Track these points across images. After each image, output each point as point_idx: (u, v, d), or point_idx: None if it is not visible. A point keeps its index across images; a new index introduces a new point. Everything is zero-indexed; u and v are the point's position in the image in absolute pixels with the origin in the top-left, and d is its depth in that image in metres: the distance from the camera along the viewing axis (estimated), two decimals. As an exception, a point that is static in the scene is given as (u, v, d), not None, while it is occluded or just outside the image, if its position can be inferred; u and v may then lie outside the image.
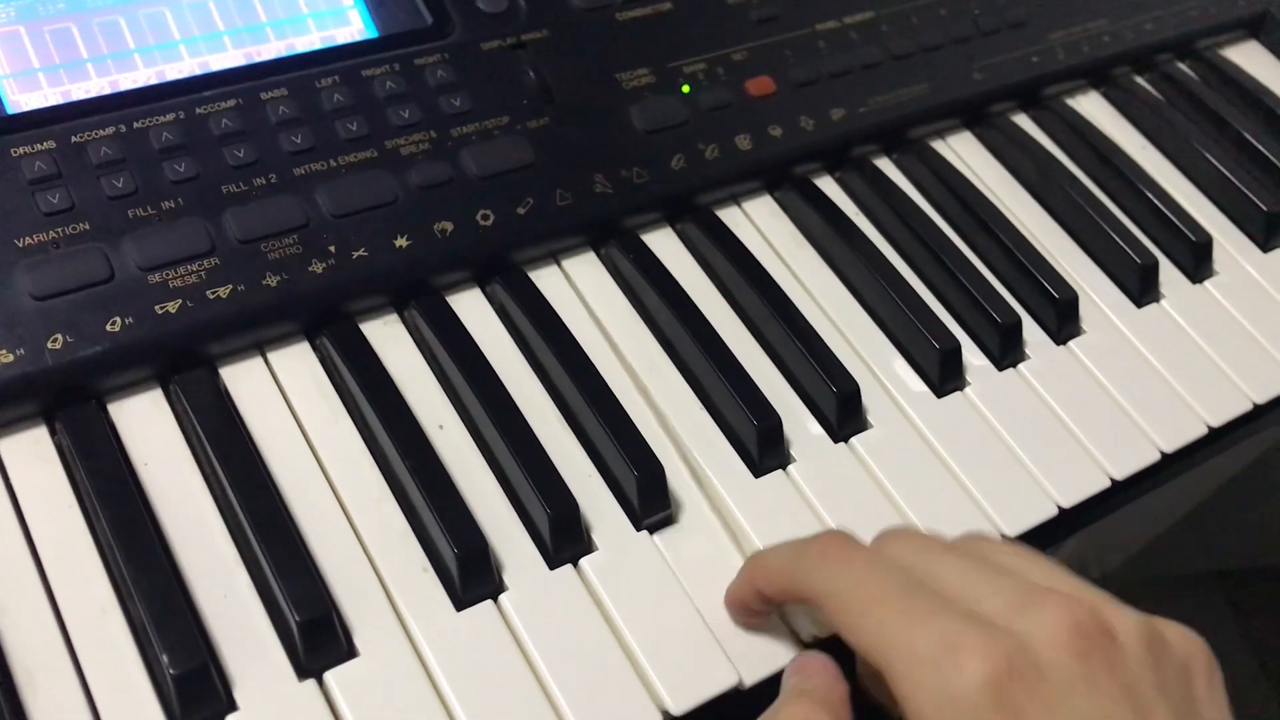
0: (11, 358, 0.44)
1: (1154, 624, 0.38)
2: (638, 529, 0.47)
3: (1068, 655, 0.35)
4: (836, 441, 0.52)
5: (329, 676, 0.41)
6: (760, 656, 0.45)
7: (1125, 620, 0.37)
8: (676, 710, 0.43)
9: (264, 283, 0.48)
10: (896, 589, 0.38)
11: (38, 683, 0.40)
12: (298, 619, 0.41)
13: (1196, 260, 0.63)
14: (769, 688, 0.44)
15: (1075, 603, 0.36)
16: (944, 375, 0.54)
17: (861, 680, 0.43)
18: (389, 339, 0.51)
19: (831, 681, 0.41)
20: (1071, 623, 0.36)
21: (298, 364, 0.49)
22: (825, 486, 0.50)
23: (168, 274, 0.47)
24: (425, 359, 0.51)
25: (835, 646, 0.42)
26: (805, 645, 0.45)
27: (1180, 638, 0.38)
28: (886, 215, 0.61)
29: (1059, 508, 0.52)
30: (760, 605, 0.44)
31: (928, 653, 0.35)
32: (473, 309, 0.53)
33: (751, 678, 0.44)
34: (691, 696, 0.43)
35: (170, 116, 0.51)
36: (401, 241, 0.51)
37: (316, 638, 0.41)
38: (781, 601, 0.43)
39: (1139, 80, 0.74)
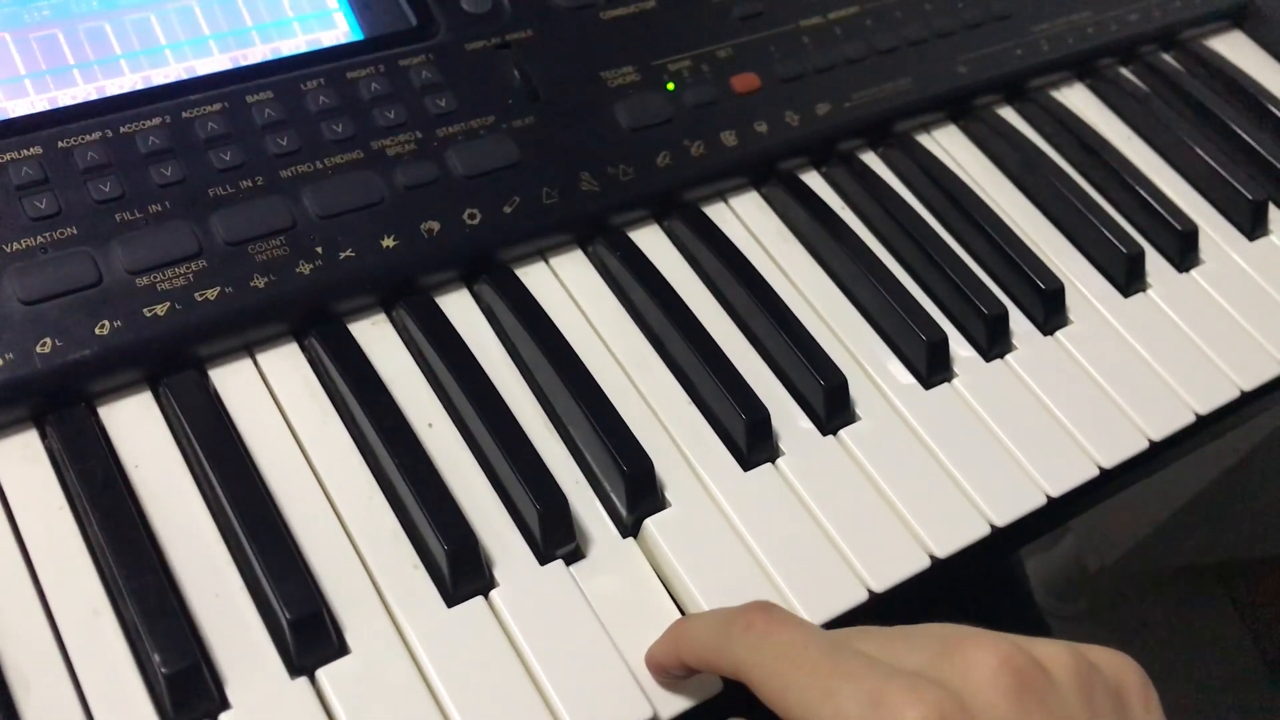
0: (1, 362, 0.44)
1: (1081, 651, 0.37)
2: (627, 524, 0.47)
3: (999, 696, 0.34)
4: (825, 434, 0.52)
5: (321, 674, 0.41)
6: (680, 692, 0.44)
7: (1052, 652, 0.36)
8: (665, 710, 0.43)
9: (252, 284, 0.49)
10: (818, 653, 0.37)
11: (30, 684, 0.40)
12: (289, 617, 0.41)
13: (1183, 249, 0.64)
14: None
15: (998, 641, 0.35)
16: (931, 367, 0.55)
17: None
18: (377, 339, 0.51)
19: None
20: (999, 661, 0.35)
21: (286, 365, 0.50)
22: (814, 479, 0.50)
23: (155, 277, 0.48)
24: (414, 358, 0.51)
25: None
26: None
27: (1110, 661, 0.38)
28: (872, 209, 0.62)
29: (1048, 497, 0.52)
30: (681, 672, 0.43)
31: (855, 711, 0.34)
32: (460, 308, 0.53)
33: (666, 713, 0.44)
34: (682, 695, 0.43)
35: (156, 121, 0.51)
36: (388, 242, 0.51)
37: (307, 635, 0.41)
38: (703, 671, 0.42)
39: (1123, 71, 0.74)
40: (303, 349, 0.50)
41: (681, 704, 0.43)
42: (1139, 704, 0.37)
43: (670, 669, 0.43)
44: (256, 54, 0.56)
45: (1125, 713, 0.36)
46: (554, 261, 0.56)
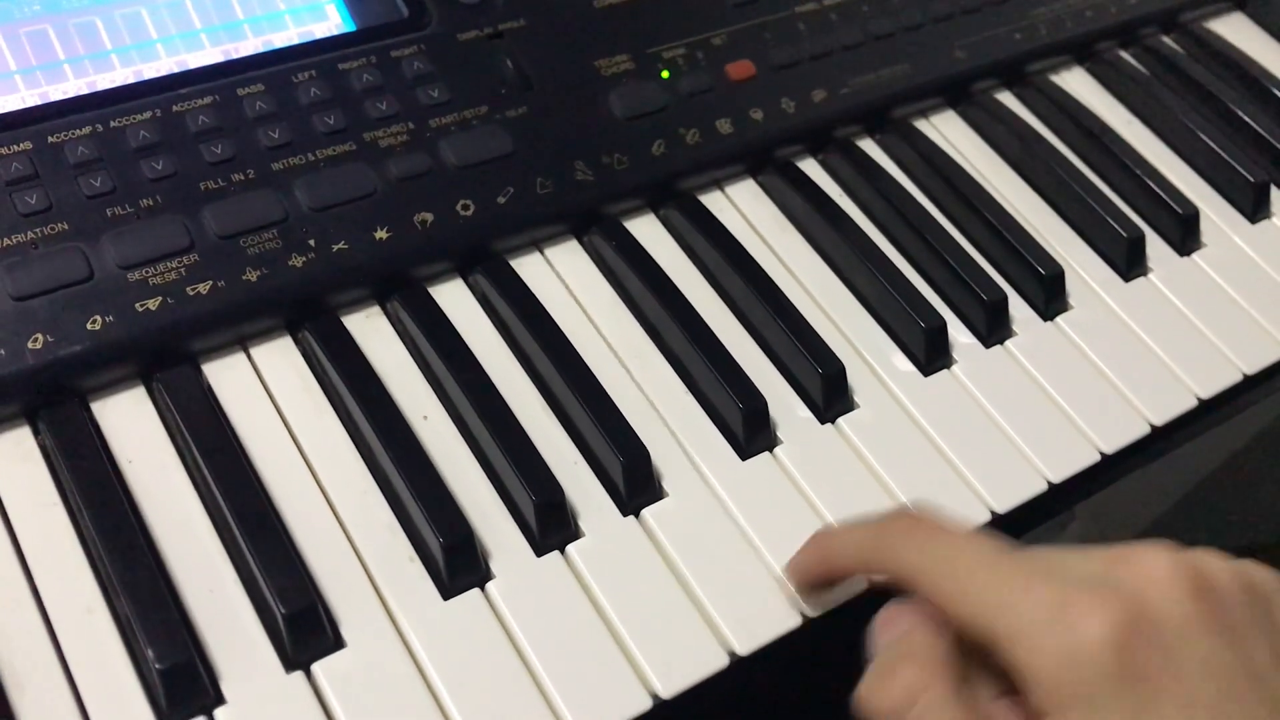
0: (-8, 358, 0.44)
1: (1243, 566, 0.38)
2: (624, 514, 0.47)
3: (1179, 596, 0.35)
4: (823, 423, 0.52)
5: (316, 668, 0.41)
6: (748, 633, 0.44)
7: (1217, 564, 0.37)
8: (666, 694, 0.43)
9: (244, 278, 0.48)
10: (991, 558, 0.37)
11: (24, 681, 0.40)
12: (283, 611, 0.41)
13: (1184, 233, 0.63)
14: (759, 666, 0.44)
15: (1167, 551, 0.36)
16: (930, 354, 0.54)
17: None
18: (371, 331, 0.51)
19: (928, 635, 0.38)
20: (1174, 565, 0.35)
21: (280, 358, 0.49)
22: (812, 468, 0.50)
23: (147, 271, 0.47)
24: (408, 350, 0.51)
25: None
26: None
27: (1263, 577, 0.38)
28: (870, 196, 0.61)
29: (1049, 483, 0.52)
30: (829, 579, 0.44)
31: (1041, 615, 0.35)
32: (455, 299, 0.53)
33: (744, 649, 0.44)
34: (682, 679, 0.43)
35: (147, 115, 0.51)
36: (382, 234, 0.51)
37: (302, 630, 0.41)
38: (854, 575, 0.43)
39: (1123, 55, 0.74)
40: (296, 342, 0.50)
41: (680, 684, 0.43)
42: None
43: (817, 577, 0.44)
44: (248, 47, 0.56)
45: (1276, 621, 0.37)
46: (549, 252, 0.56)
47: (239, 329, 0.49)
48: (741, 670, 0.44)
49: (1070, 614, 0.34)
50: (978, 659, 0.37)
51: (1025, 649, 0.35)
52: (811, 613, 0.45)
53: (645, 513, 0.47)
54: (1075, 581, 0.35)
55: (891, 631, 0.39)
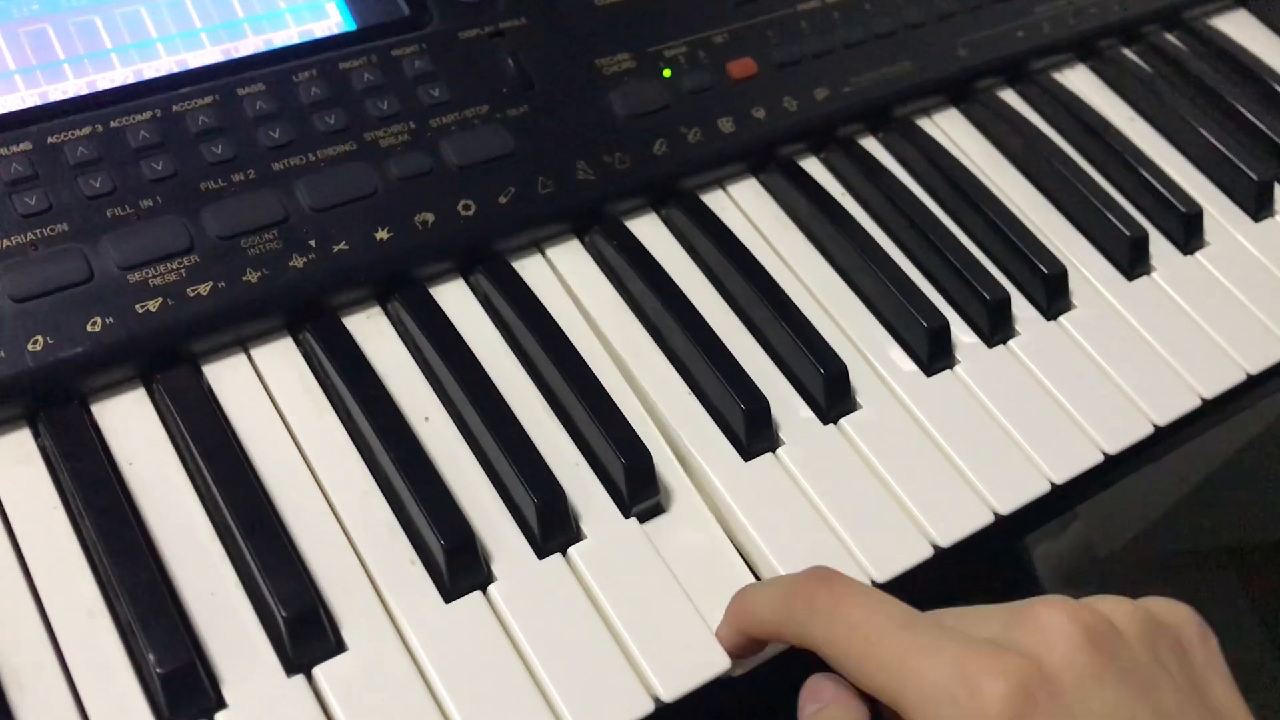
0: (-8, 360, 0.44)
1: (1143, 604, 0.38)
2: (626, 516, 0.47)
3: (1074, 654, 0.35)
4: (825, 423, 0.51)
5: (318, 671, 0.41)
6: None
7: (1116, 607, 0.37)
8: (668, 697, 0.42)
9: (245, 279, 0.48)
10: (893, 625, 0.37)
11: (25, 684, 0.39)
12: (284, 615, 0.41)
13: (1187, 231, 0.63)
14: (759, 671, 0.44)
15: (1065, 602, 0.36)
16: (933, 354, 0.54)
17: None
18: (372, 332, 0.51)
19: (851, 705, 0.39)
20: (1070, 621, 0.35)
21: (281, 359, 0.49)
22: (815, 468, 0.50)
23: (148, 273, 0.47)
24: (409, 351, 0.50)
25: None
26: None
27: (1169, 611, 0.38)
28: (872, 195, 0.61)
29: (1052, 484, 0.51)
30: (756, 647, 0.43)
31: (941, 685, 0.35)
32: (456, 300, 0.52)
33: (740, 669, 0.44)
34: (683, 683, 0.43)
35: (147, 115, 0.51)
36: (382, 234, 0.51)
37: (303, 633, 0.41)
38: (770, 642, 0.43)
39: (1126, 52, 0.73)
40: (297, 343, 0.50)
41: (682, 687, 0.43)
42: (1200, 652, 0.38)
43: (743, 647, 0.43)
44: (248, 46, 0.55)
45: (1187, 660, 0.37)
46: (550, 252, 0.55)
47: (239, 330, 0.49)
48: (743, 675, 0.44)
49: (968, 681, 0.34)
50: None
51: (928, 718, 0.35)
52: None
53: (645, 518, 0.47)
54: (974, 645, 0.35)
55: (814, 702, 0.40)
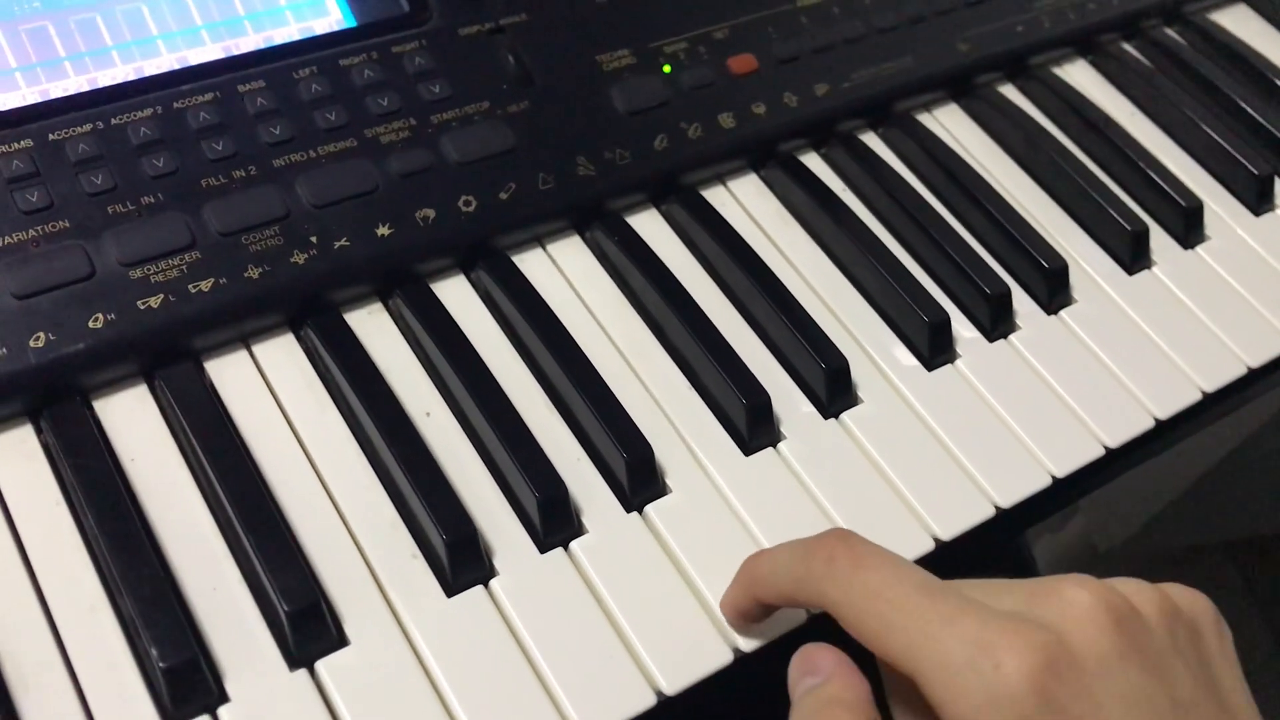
0: (-6, 357, 0.44)
1: (1164, 590, 0.38)
2: (628, 511, 0.47)
3: (1098, 632, 0.34)
4: (827, 418, 0.52)
5: (320, 666, 0.41)
6: (755, 630, 0.44)
7: (1139, 590, 0.37)
8: (670, 690, 0.43)
9: (246, 275, 0.48)
10: (914, 592, 0.36)
11: (29, 680, 0.40)
12: (287, 609, 0.41)
13: (1187, 226, 0.63)
14: (763, 663, 0.44)
15: (1090, 581, 0.36)
16: (934, 348, 0.54)
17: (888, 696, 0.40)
18: (374, 328, 0.51)
19: (853, 679, 0.38)
20: (1095, 599, 0.35)
21: (282, 355, 0.49)
22: (816, 463, 0.50)
23: (149, 269, 0.47)
24: (411, 347, 0.51)
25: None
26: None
27: (1188, 600, 0.38)
28: (873, 190, 0.61)
29: (1053, 478, 0.52)
30: (761, 613, 0.43)
31: (962, 656, 0.34)
32: (457, 295, 0.53)
33: (748, 647, 0.44)
34: (685, 676, 0.43)
35: (148, 112, 0.51)
36: (384, 230, 0.51)
37: (306, 627, 0.41)
38: (782, 607, 0.42)
39: (1126, 47, 0.74)
40: (299, 339, 0.50)
41: (684, 681, 0.43)
42: (1213, 640, 0.38)
43: (748, 612, 0.43)
44: (249, 43, 0.55)
45: (1201, 646, 0.37)
46: (551, 248, 0.55)
47: (241, 326, 0.49)
48: (746, 667, 0.44)
49: (991, 653, 0.34)
50: (907, 688, 0.37)
51: (947, 688, 0.34)
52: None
53: (649, 509, 0.47)
54: (997, 617, 0.35)
55: (813, 675, 0.39)
